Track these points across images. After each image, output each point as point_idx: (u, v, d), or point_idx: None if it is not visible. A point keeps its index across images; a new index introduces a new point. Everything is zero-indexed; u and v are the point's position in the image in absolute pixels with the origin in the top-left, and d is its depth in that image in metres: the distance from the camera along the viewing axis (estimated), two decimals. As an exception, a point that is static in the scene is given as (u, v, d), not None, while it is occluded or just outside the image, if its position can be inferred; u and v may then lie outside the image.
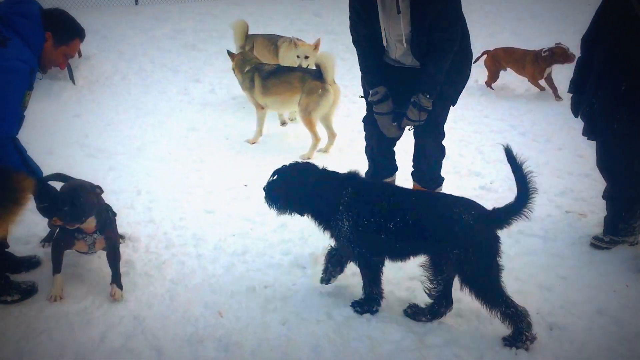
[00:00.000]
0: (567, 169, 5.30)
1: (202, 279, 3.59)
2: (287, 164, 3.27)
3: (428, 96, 3.77)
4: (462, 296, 3.15)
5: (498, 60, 7.58)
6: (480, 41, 9.54)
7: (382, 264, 3.25)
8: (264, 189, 3.25)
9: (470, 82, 4.29)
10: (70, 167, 5.04)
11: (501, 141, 5.85)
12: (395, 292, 3.47)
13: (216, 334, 3.10)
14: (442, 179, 4.36)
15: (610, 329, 3.20)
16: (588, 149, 5.71)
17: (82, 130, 6.08)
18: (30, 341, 3.01)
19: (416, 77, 3.80)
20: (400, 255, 3.20)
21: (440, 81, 3.78)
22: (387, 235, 3.05)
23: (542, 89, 7.47)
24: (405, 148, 4.50)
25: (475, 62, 6.61)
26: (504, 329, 3.07)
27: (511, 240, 4.03)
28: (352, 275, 3.53)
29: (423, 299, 3.34)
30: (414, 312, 3.26)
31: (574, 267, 3.77)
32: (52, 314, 3.23)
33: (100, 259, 3.69)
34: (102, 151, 5.56)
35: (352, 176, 3.25)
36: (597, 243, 3.95)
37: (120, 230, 3.81)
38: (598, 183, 4.92)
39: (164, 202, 4.62)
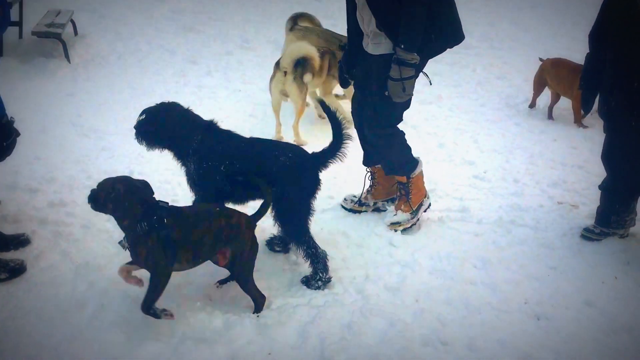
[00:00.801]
0: (560, 160, 5.31)
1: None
2: (156, 104, 3.46)
3: (403, 46, 3.49)
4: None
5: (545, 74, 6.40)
6: (480, 29, 9.55)
7: None
8: (134, 127, 3.44)
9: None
10: (62, 147, 5.06)
11: (497, 131, 5.91)
12: (384, 278, 3.47)
13: (204, 315, 3.09)
14: (406, 170, 4.03)
15: (597, 320, 3.21)
16: (582, 141, 5.75)
17: (75, 109, 6.04)
18: (17, 320, 3.00)
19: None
20: (239, 199, 3.49)
21: (416, 31, 3.48)
22: (224, 180, 3.33)
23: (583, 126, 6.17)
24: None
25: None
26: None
27: (502, 230, 4.05)
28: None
29: (412, 285, 3.37)
30: (306, 280, 3.41)
31: (563, 257, 3.78)
32: (41, 294, 3.21)
33: (86, 235, 3.73)
34: (95, 131, 5.53)
35: (208, 124, 3.45)
36: (588, 234, 3.96)
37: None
38: (591, 175, 4.95)
39: (156, 183, 4.55)
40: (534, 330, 3.11)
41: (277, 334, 2.98)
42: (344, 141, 3.37)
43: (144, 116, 3.42)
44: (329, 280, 3.38)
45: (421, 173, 4.08)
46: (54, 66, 7.11)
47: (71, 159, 4.86)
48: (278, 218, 3.34)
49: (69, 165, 4.72)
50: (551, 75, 6.23)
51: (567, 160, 5.29)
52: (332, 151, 3.39)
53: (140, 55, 8.05)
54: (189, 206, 3.33)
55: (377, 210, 4.27)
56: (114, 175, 4.55)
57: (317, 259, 3.36)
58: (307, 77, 5.29)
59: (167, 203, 3.03)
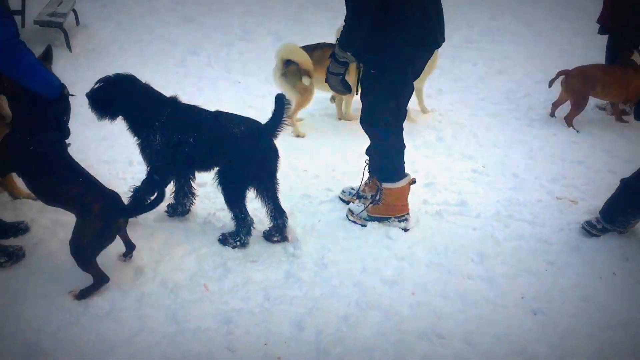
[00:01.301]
0: (560, 155, 5.31)
1: (189, 251, 3.58)
2: (112, 74, 3.59)
3: (339, 44, 3.57)
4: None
5: (590, 81, 5.86)
6: (481, 23, 9.51)
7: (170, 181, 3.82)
8: (86, 94, 3.59)
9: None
10: (62, 135, 5.04)
11: (497, 125, 5.90)
12: (381, 271, 3.48)
13: (201, 306, 3.10)
14: (383, 177, 3.97)
15: (594, 316, 3.21)
16: (582, 137, 5.75)
17: (76, 99, 6.01)
18: (15, 306, 3.01)
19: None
20: (199, 168, 3.81)
21: (351, 33, 3.48)
22: (187, 150, 3.56)
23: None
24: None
25: (550, 85, 6.06)
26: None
27: (500, 224, 4.05)
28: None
29: (409, 279, 3.38)
30: (224, 238, 3.67)
31: (561, 253, 3.78)
32: (40, 281, 3.22)
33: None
34: (96, 121, 5.50)
35: (174, 99, 3.66)
36: (589, 229, 3.95)
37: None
38: (590, 170, 4.95)
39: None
40: (531, 325, 3.12)
41: (273, 325, 2.99)
42: (285, 111, 3.54)
43: (100, 84, 3.57)
44: (245, 244, 3.65)
45: (402, 190, 3.93)
46: (55, 55, 6.89)
47: (71, 147, 4.83)
48: (221, 182, 3.57)
49: (70, 154, 4.70)
50: (602, 82, 5.82)
51: (567, 156, 5.28)
52: (276, 121, 3.53)
53: (142, 46, 8.03)
54: None
55: (375, 203, 4.25)
56: (114, 164, 4.62)
57: (245, 224, 3.62)
58: (307, 80, 5.29)
59: None
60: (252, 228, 3.67)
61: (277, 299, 3.19)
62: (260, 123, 3.62)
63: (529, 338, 3.02)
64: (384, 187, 3.93)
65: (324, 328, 2.98)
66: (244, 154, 3.54)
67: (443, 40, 3.73)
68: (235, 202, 3.61)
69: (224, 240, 3.67)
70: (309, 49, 5.57)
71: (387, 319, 3.07)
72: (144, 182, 3.78)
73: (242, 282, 3.32)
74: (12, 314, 2.95)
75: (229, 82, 6.92)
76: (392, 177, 3.92)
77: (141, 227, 3.79)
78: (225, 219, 3.89)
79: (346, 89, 3.82)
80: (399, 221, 3.96)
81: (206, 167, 3.80)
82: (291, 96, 5.31)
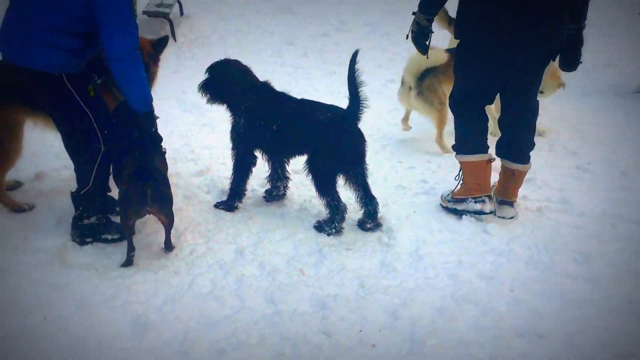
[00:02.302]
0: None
1: (286, 236, 3.67)
2: (219, 60, 3.88)
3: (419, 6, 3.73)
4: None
5: None
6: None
7: (254, 164, 3.93)
8: (199, 85, 3.85)
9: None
10: (167, 121, 5.28)
11: (603, 121, 5.61)
12: (478, 265, 3.42)
13: (298, 290, 3.17)
14: (458, 146, 3.97)
15: None
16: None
17: (179, 85, 6.28)
18: (126, 279, 3.19)
19: None
20: (283, 154, 3.93)
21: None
22: (270, 136, 3.71)
23: None
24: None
25: None
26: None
27: (606, 224, 3.87)
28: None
29: (507, 275, 3.30)
30: (320, 225, 3.73)
31: (672, 256, 3.57)
32: (146, 256, 3.41)
33: (188, 205, 3.90)
34: (198, 107, 5.72)
35: (263, 84, 3.81)
36: None
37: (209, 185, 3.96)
38: None
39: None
40: (639, 330, 2.97)
41: (368, 313, 3.01)
42: (362, 102, 3.56)
43: (208, 75, 3.83)
44: (340, 231, 3.70)
45: (475, 166, 3.86)
46: (161, 44, 7.40)
47: (175, 133, 5.08)
48: (310, 170, 3.66)
49: (174, 139, 4.93)
50: None
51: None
52: (357, 105, 3.56)
53: (240, 36, 8.26)
54: None
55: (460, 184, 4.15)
56: (214, 150, 4.79)
57: (338, 210, 3.67)
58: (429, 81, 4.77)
59: None
60: (345, 213, 3.70)
61: (372, 287, 3.21)
62: (344, 110, 3.65)
63: (637, 344, 2.87)
64: (456, 157, 3.95)
65: (419, 319, 2.96)
66: (330, 140, 3.59)
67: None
68: (325, 189, 3.66)
69: (320, 227, 3.72)
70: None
71: (484, 314, 3.02)
72: (233, 166, 3.93)
73: (337, 269, 3.36)
74: (123, 287, 3.14)
75: (324, 73, 6.99)
76: (463, 148, 3.89)
77: (241, 211, 3.92)
78: (320, 206, 3.93)
79: (419, 48, 3.87)
80: (475, 202, 3.88)
81: (292, 153, 3.91)
82: (431, 115, 4.88)
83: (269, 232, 3.69)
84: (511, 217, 3.91)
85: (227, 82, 3.76)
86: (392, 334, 2.87)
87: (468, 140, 3.90)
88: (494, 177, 4.06)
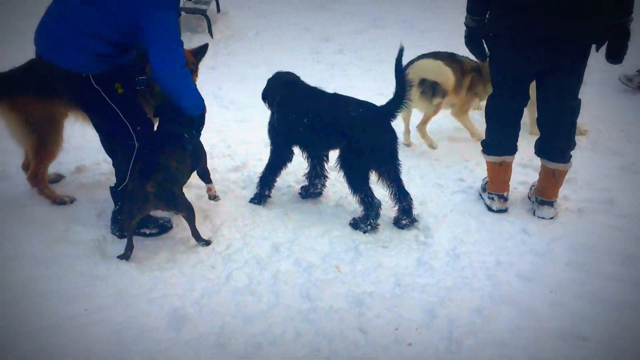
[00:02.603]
0: None
1: (322, 232, 3.67)
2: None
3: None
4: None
5: None
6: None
7: (290, 159, 3.97)
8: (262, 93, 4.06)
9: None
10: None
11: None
12: (517, 266, 3.36)
13: (333, 287, 3.16)
14: (483, 143, 4.01)
15: None
16: None
17: (216, 82, 6.33)
18: (164, 272, 3.24)
19: None
20: (315, 148, 3.95)
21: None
22: (302, 130, 3.74)
23: None
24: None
25: None
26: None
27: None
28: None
29: (547, 276, 3.24)
30: (355, 222, 3.73)
31: None
32: (184, 251, 3.45)
33: (225, 200, 3.93)
34: (234, 103, 5.77)
35: (292, 80, 3.94)
36: None
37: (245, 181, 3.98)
38: None
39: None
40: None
41: (404, 311, 2.99)
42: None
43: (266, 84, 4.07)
44: (376, 227, 3.70)
45: (491, 167, 3.94)
46: (198, 41, 7.45)
47: (212, 128, 5.09)
48: (342, 167, 3.66)
49: (210, 134, 4.94)
50: None
51: None
52: (397, 101, 3.55)
53: (277, 32, 8.28)
54: None
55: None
56: (251, 145, 4.81)
57: (372, 207, 3.65)
58: (436, 101, 4.65)
59: None
60: (380, 209, 3.69)
61: (409, 285, 3.18)
62: (376, 106, 3.65)
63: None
64: (486, 159, 3.98)
65: (456, 318, 2.93)
66: (360, 136, 3.57)
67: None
68: (358, 186, 3.65)
69: (355, 225, 3.71)
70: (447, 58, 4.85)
71: (523, 316, 2.97)
72: (269, 158, 3.99)
73: (373, 267, 3.34)
74: (161, 280, 3.18)
75: (361, 69, 6.95)
76: (484, 147, 3.96)
77: (277, 207, 3.94)
78: (355, 203, 3.92)
79: (474, 54, 3.89)
80: (488, 197, 3.95)
81: (325, 148, 3.95)
82: (427, 110, 4.81)
83: (305, 229, 3.70)
84: (551, 218, 3.83)
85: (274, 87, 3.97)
86: (429, 333, 2.85)
87: (489, 140, 3.94)
88: (533, 177, 4.00)
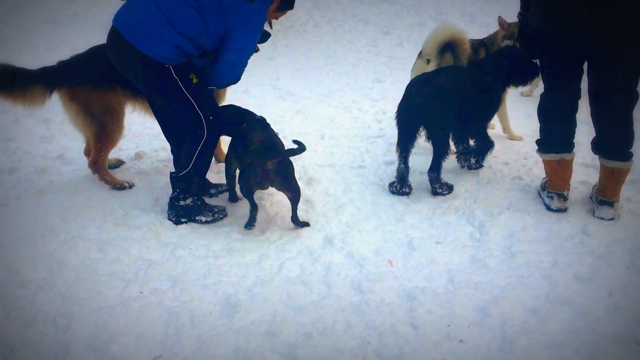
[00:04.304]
0: None
1: (375, 226, 3.66)
2: None
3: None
4: None
5: None
6: None
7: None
8: None
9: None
10: (262, 107, 5.39)
11: None
12: (575, 267, 3.26)
13: (385, 280, 3.15)
14: (538, 142, 3.92)
15: None
16: None
17: (274, 73, 6.39)
18: (218, 259, 3.30)
19: None
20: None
21: None
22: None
23: None
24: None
25: None
26: None
27: None
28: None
29: (606, 278, 3.13)
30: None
31: None
32: (238, 239, 3.51)
33: (279, 193, 3.93)
34: (292, 94, 5.81)
35: None
36: None
37: (300, 172, 4.00)
38: None
39: (345, 148, 4.74)
40: None
41: (457, 307, 2.94)
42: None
43: None
44: (481, 166, 4.33)
45: (549, 165, 3.84)
46: (256, 32, 7.56)
47: (269, 119, 5.12)
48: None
49: (267, 124, 5.01)
50: None
51: None
52: None
53: (335, 24, 8.28)
54: None
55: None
56: (307, 137, 4.83)
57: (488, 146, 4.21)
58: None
59: None
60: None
61: (462, 282, 3.14)
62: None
63: None
64: (542, 157, 3.90)
65: (510, 318, 2.87)
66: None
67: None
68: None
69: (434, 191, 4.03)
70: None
71: (580, 318, 2.87)
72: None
73: (426, 262, 3.31)
74: (215, 267, 3.24)
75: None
76: (540, 145, 3.87)
77: (332, 199, 3.94)
78: (412, 196, 3.90)
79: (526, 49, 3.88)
80: (547, 195, 3.84)
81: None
82: None
83: (358, 222, 3.69)
84: (611, 219, 3.70)
85: None
86: (482, 331, 2.80)
87: (544, 138, 3.85)
88: (595, 177, 3.87)
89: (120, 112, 3.91)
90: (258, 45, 3.84)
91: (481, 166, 4.34)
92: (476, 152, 4.29)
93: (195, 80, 3.49)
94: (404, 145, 4.02)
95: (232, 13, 3.35)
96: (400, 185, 4.03)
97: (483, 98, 4.06)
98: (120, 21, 3.43)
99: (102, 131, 3.84)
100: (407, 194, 4.03)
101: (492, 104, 4.20)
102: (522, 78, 4.19)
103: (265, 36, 3.90)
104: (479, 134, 4.22)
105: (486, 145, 4.24)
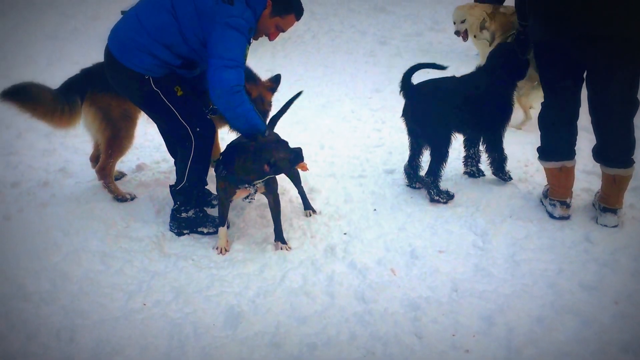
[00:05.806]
0: None
1: (377, 235, 3.64)
2: None
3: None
4: None
5: None
6: None
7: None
8: None
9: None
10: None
11: None
12: (579, 275, 3.25)
13: (389, 290, 3.13)
14: (539, 149, 3.92)
15: None
16: None
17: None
18: (221, 270, 3.28)
19: None
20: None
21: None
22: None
23: None
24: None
25: None
26: None
27: None
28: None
29: (612, 286, 3.12)
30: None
31: None
32: (240, 250, 3.49)
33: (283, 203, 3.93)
34: (293, 107, 5.79)
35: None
36: None
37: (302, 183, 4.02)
38: None
39: (345, 158, 4.74)
40: None
41: (461, 317, 2.92)
42: None
43: None
44: (510, 178, 4.27)
45: (550, 173, 3.84)
46: (255, 43, 7.49)
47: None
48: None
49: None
50: None
51: None
52: None
53: (333, 35, 8.30)
54: None
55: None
56: (306, 147, 4.81)
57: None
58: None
59: None
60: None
61: (466, 291, 3.12)
62: None
63: None
64: (543, 165, 3.89)
65: (516, 327, 2.85)
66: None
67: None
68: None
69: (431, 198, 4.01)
70: None
71: (586, 326, 2.86)
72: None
73: (429, 271, 3.29)
74: (217, 278, 3.22)
75: (418, 73, 6.86)
76: (541, 153, 3.87)
77: (333, 209, 3.93)
78: (413, 205, 3.89)
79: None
80: (550, 204, 3.83)
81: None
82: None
83: (360, 232, 3.68)
84: (614, 226, 3.69)
85: None
86: (487, 340, 2.78)
87: (544, 146, 3.86)
88: (597, 184, 3.87)
89: (134, 121, 3.94)
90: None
91: (510, 178, 4.26)
92: (493, 164, 4.25)
93: (180, 93, 3.46)
94: (411, 142, 4.16)
95: (209, 16, 3.24)
96: (410, 181, 4.21)
97: (491, 102, 4.01)
98: (111, 37, 3.46)
99: (115, 137, 3.86)
100: (417, 188, 4.19)
101: (505, 108, 4.13)
102: (522, 70, 4.13)
103: (277, 79, 4.05)
104: (493, 144, 4.19)
105: (501, 156, 4.21)
